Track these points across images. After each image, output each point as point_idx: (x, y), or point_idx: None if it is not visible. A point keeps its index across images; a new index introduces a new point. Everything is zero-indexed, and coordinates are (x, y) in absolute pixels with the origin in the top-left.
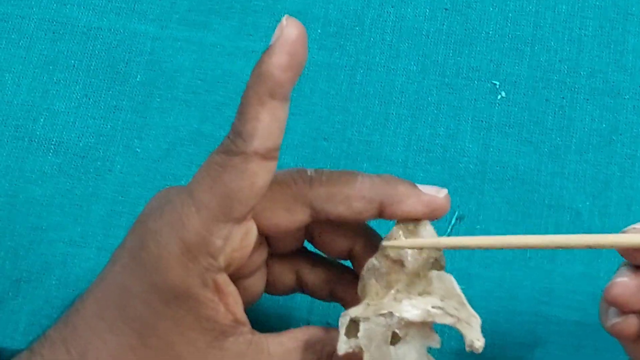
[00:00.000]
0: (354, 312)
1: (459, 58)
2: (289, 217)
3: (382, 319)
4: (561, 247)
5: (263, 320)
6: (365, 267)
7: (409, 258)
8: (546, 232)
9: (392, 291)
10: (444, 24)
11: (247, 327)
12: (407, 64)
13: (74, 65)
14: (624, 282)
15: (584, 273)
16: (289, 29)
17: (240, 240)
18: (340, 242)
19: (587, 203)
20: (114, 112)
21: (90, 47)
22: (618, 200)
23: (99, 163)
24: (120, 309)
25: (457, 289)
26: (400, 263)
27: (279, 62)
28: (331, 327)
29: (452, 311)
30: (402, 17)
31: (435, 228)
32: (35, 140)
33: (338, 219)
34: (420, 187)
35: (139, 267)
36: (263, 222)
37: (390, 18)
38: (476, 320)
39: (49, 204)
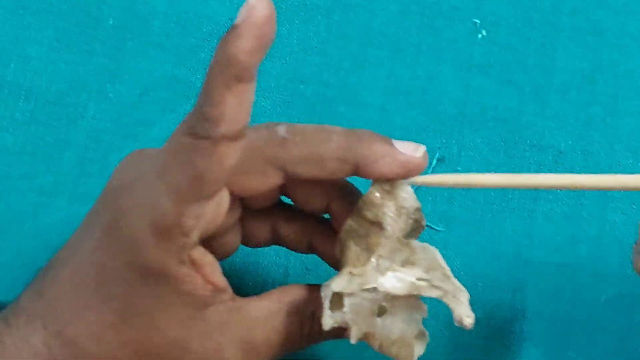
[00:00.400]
0: (337, 285)
1: None
2: (262, 180)
3: (367, 293)
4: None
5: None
6: (343, 229)
7: (388, 219)
8: (529, 172)
9: (374, 258)
10: None
11: (228, 293)
12: (387, 4)
13: (45, 9)
14: None
15: (566, 214)
16: (258, 10)
17: (213, 213)
18: (317, 200)
19: (570, 142)
20: (86, 57)
21: None
22: (600, 140)
23: (71, 109)
24: (98, 287)
25: (442, 261)
26: (379, 225)
27: (246, 46)
28: (312, 284)
29: (439, 284)
30: None
31: None
32: (5, 87)
33: (312, 179)
34: (397, 144)
35: (114, 245)
36: (235, 187)
37: None
38: (464, 295)
39: (20, 152)
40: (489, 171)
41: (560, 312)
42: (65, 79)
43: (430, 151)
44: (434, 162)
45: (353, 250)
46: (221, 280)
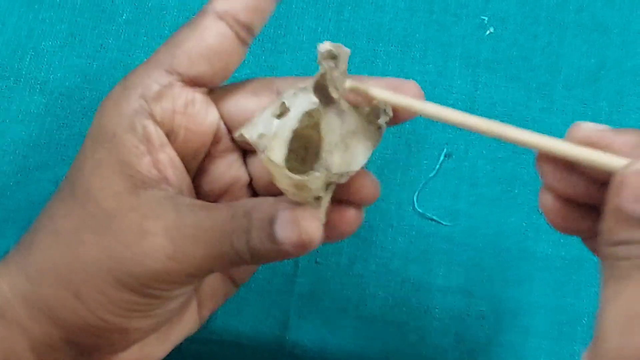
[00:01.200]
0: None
1: None
2: (255, 100)
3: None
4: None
5: None
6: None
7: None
8: (535, 168)
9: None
10: None
11: (175, 187)
12: (395, 1)
13: (59, 4)
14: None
15: None
16: None
17: (185, 104)
18: None
19: None
20: (99, 51)
21: None
22: None
23: (85, 102)
24: (67, 175)
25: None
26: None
27: None
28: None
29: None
30: None
31: (423, 166)
32: (21, 80)
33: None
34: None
35: (90, 128)
36: (227, 107)
37: None
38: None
39: (35, 144)
40: (495, 166)
41: (565, 305)
42: (79, 72)
43: (437, 147)
44: (442, 157)
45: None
46: (174, 179)
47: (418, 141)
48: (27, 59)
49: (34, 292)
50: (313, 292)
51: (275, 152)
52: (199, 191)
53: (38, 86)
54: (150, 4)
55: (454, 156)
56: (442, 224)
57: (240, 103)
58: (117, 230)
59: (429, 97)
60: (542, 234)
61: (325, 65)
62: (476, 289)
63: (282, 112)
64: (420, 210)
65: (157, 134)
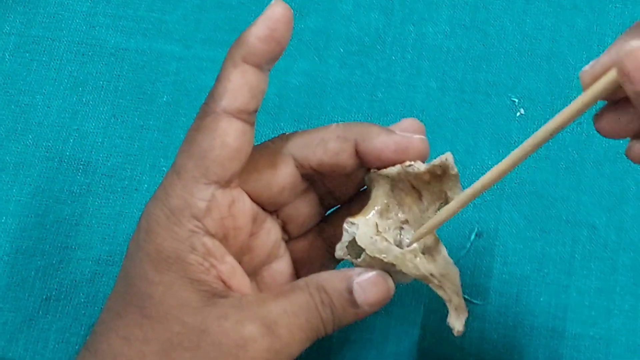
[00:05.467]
0: (361, 239)
1: (477, 74)
2: (274, 173)
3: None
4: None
5: None
6: (386, 170)
7: (426, 194)
8: (564, 248)
9: (401, 214)
10: (463, 41)
11: (245, 292)
12: (427, 80)
13: (102, 86)
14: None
15: (600, 288)
16: (274, 8)
17: (228, 206)
18: (348, 186)
19: (604, 218)
20: (140, 132)
21: (118, 68)
22: (634, 214)
23: (126, 182)
24: (124, 293)
25: (458, 280)
26: (418, 193)
27: (257, 32)
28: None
29: (448, 291)
30: (423, 35)
31: (454, 245)
32: (65, 161)
33: (320, 167)
34: (400, 127)
35: (135, 246)
36: (252, 187)
37: (410, 36)
38: (464, 313)
39: (78, 223)
40: (525, 245)
41: None
42: (120, 153)
43: (468, 226)
44: (472, 236)
45: (385, 192)
46: (240, 286)
47: (449, 220)
48: (71, 141)
49: None
50: None
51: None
52: (245, 268)
53: (81, 167)
54: (188, 86)
55: (485, 235)
56: (473, 302)
57: (264, 181)
58: (214, 343)
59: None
60: (570, 314)
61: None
62: None
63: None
64: None
65: (215, 247)
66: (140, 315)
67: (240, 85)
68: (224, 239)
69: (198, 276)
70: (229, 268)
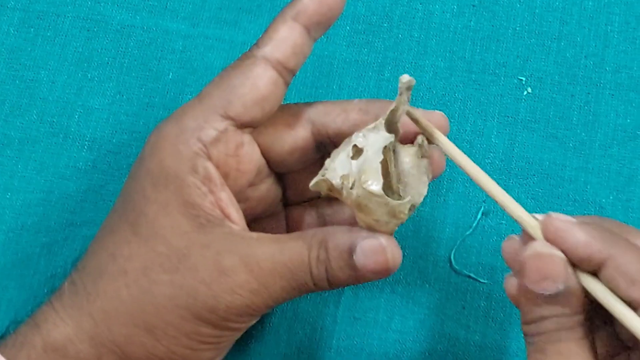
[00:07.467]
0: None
1: (485, 54)
2: (290, 133)
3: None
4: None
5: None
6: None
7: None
8: None
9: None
10: (471, 21)
11: (238, 225)
12: (435, 60)
13: (107, 63)
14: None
15: None
16: None
17: (236, 146)
18: None
19: (611, 198)
20: (146, 110)
21: (124, 45)
22: None
23: (131, 159)
24: (121, 210)
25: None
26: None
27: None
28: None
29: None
30: (430, 14)
31: (460, 224)
32: (69, 137)
33: (337, 136)
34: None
35: (139, 162)
36: (264, 140)
37: (418, 15)
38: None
39: (83, 200)
40: None
41: None
42: (126, 130)
43: (475, 205)
44: (479, 215)
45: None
46: (236, 216)
47: (455, 199)
48: (76, 117)
49: (101, 332)
50: (351, 347)
51: (372, 185)
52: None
53: (86, 143)
54: (195, 64)
55: (491, 214)
56: (479, 281)
57: (277, 137)
58: (192, 268)
59: (466, 155)
60: None
61: (405, 95)
62: (512, 345)
63: (356, 153)
64: (457, 268)
65: (216, 175)
66: (130, 233)
67: (285, 38)
68: (224, 176)
69: (193, 199)
70: (227, 197)
